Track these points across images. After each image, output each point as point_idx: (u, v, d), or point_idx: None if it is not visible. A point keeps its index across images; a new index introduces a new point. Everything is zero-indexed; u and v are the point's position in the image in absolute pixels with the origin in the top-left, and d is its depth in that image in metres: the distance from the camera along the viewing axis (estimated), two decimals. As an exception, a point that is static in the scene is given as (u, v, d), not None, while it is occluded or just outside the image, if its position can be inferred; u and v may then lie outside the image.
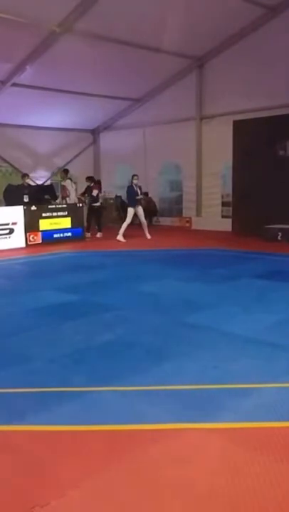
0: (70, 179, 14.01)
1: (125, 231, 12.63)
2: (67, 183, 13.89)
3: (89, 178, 14.27)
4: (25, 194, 12.86)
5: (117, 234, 12.68)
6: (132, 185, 12.86)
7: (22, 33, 11.11)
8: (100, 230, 13.98)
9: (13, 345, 4.88)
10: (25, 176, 13.91)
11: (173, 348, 4.68)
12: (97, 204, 13.89)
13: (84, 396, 3.72)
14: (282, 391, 3.71)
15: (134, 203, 12.74)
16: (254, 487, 2.58)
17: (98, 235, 13.81)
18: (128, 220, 12.79)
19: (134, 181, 12.84)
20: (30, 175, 16.60)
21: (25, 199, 12.74)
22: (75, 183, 14.47)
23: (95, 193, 13.88)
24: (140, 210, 12.89)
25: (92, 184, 14.04)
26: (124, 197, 17.83)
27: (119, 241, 12.51)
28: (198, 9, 11.64)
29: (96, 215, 13.97)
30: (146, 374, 4.05)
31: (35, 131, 15.92)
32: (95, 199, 13.81)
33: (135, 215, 12.81)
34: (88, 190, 13.96)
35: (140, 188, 13.04)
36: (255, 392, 3.70)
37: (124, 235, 12.58)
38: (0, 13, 10.22)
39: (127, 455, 2.92)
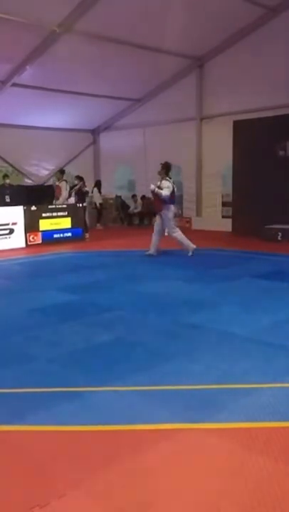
0: (66, 181, 13.92)
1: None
2: (63, 184, 13.81)
3: (78, 177, 14.16)
4: (7, 194, 13.59)
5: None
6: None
7: (22, 33, 11.12)
8: (86, 231, 13.48)
9: (13, 345, 4.88)
10: (5, 176, 14.12)
11: (173, 348, 4.68)
12: (85, 204, 13.69)
13: (84, 396, 3.72)
14: (282, 391, 3.71)
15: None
16: (254, 487, 2.58)
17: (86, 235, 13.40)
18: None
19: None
20: (30, 175, 16.68)
21: (7, 199, 13.42)
22: (68, 183, 14.29)
23: (86, 190, 13.81)
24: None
25: (81, 183, 13.94)
26: (124, 197, 17.92)
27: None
28: (198, 9, 11.64)
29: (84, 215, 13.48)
30: (147, 374, 4.04)
31: (35, 131, 15.89)
32: (83, 199, 13.68)
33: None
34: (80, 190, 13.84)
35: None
36: (255, 392, 3.69)
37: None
38: (0, 13, 10.23)
39: (127, 455, 2.91)
